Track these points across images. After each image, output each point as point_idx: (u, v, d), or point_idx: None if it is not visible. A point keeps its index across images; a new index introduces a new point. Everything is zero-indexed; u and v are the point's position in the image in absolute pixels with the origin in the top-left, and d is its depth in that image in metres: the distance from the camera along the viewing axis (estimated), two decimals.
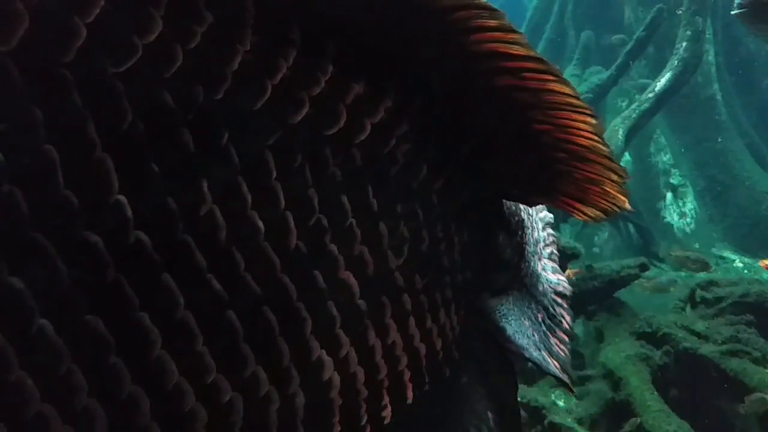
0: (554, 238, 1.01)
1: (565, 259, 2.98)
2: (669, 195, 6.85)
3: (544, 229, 0.97)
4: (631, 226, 5.89)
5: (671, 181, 6.90)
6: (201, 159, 0.54)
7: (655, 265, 4.65)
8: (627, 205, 0.79)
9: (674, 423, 2.49)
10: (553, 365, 0.90)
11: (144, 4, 0.52)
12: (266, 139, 0.58)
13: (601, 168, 0.75)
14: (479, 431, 0.79)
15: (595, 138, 0.72)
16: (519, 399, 2.49)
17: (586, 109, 0.70)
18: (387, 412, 0.69)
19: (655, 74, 6.14)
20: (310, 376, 0.62)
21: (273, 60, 0.58)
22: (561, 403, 2.63)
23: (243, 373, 0.58)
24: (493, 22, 0.62)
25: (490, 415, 0.81)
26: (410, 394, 0.71)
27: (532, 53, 0.65)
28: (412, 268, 0.69)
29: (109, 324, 0.52)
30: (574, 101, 0.69)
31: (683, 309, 3.20)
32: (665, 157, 7.03)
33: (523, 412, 2.40)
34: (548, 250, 1.00)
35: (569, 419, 2.38)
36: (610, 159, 0.75)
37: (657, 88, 5.75)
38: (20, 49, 0.48)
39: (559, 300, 1.01)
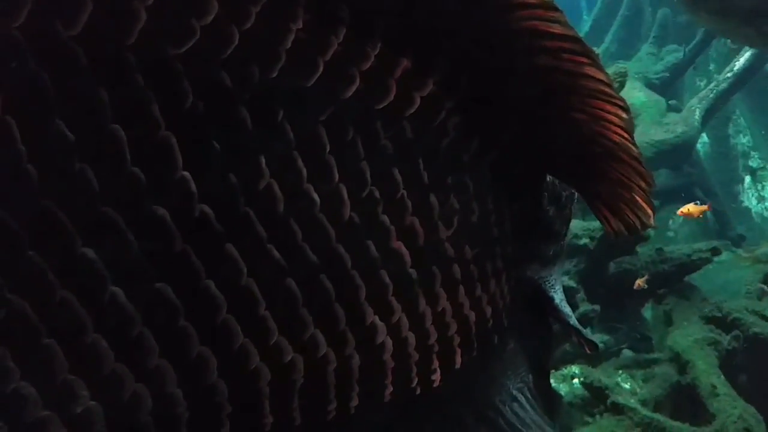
0: None
1: (632, 242, 2.93)
2: (747, 178, 6.62)
3: None
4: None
5: (750, 164, 6.67)
6: (258, 135, 0.57)
7: (732, 251, 4.52)
8: (652, 221, 0.79)
9: (740, 407, 2.43)
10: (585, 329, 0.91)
11: None
12: (319, 114, 0.60)
13: (631, 170, 0.75)
14: (522, 393, 0.81)
15: (626, 136, 0.72)
16: (583, 380, 2.49)
17: (619, 100, 0.70)
18: (437, 376, 0.71)
19: (735, 53, 5.93)
20: (365, 339, 0.65)
21: (324, 37, 0.60)
22: (626, 386, 2.61)
23: (303, 336, 0.61)
24: (533, 0, 0.63)
25: (530, 377, 0.83)
26: (459, 359, 0.73)
27: (570, 33, 0.66)
28: (462, 239, 0.71)
29: (177, 291, 0.55)
30: (608, 90, 0.70)
31: (755, 294, 3.11)
32: (744, 139, 6.79)
33: (586, 392, 2.39)
34: None
35: (632, 400, 2.36)
36: (639, 161, 0.74)
37: (736, 68, 5.56)
38: (85, 33, 0.51)
39: None
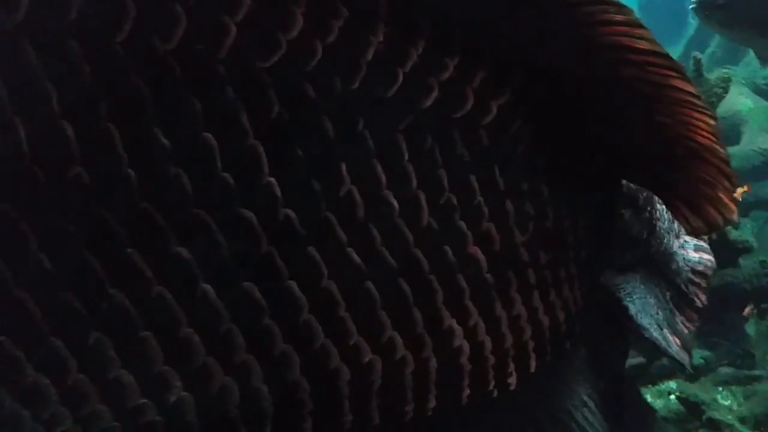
0: None
1: (735, 253, 2.82)
2: None
3: None
4: None
5: None
6: (340, 144, 0.60)
7: None
8: (735, 216, 0.77)
9: None
10: (675, 344, 0.90)
11: (286, 2, 0.58)
12: (398, 123, 0.62)
13: (716, 171, 0.75)
14: (592, 399, 0.81)
15: (714, 139, 0.73)
16: (679, 394, 2.41)
17: (707, 109, 0.71)
18: (513, 379, 0.72)
19: None
20: (442, 342, 0.66)
21: (404, 49, 0.62)
22: (726, 402, 2.51)
23: (381, 338, 0.63)
24: (620, 18, 0.64)
25: (601, 385, 0.82)
26: (533, 363, 0.73)
27: (657, 48, 0.66)
28: (537, 244, 0.71)
29: (262, 290, 0.58)
30: (696, 100, 0.70)
31: None
32: None
33: (681, 408, 2.32)
34: None
35: (729, 417, 2.27)
36: (726, 163, 0.74)
37: None
38: (180, 47, 0.55)
39: (696, 279, 0.99)
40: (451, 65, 0.64)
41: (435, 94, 0.63)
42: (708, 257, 1.02)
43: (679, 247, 0.98)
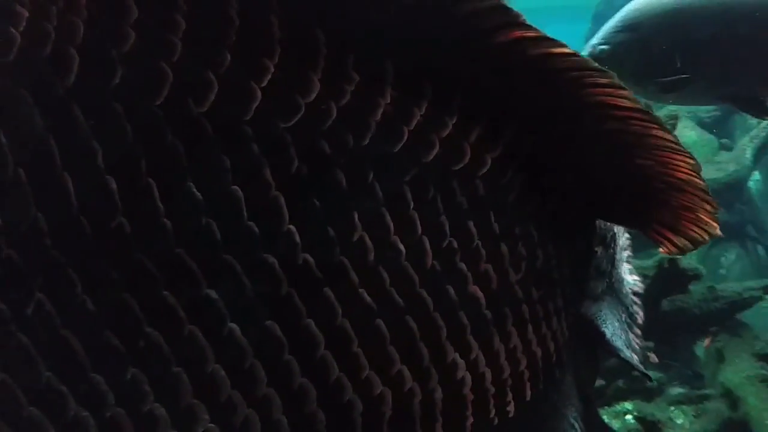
0: (630, 242, 1.07)
1: (685, 280, 2.94)
2: None
3: (623, 234, 1.04)
4: (759, 248, 5.64)
5: None
6: (352, 194, 0.66)
7: None
8: (718, 231, 0.84)
9: None
10: (636, 360, 0.97)
11: (306, 69, 0.64)
12: (404, 176, 0.68)
13: (696, 199, 0.82)
14: (577, 422, 0.87)
15: (693, 174, 0.79)
16: (636, 414, 2.51)
17: (687, 152, 0.78)
18: (511, 407, 0.77)
19: None
20: (446, 375, 0.71)
21: (409, 110, 0.69)
22: (679, 421, 2.61)
23: (391, 371, 0.68)
24: (603, 80, 0.71)
25: (582, 408, 0.89)
26: (528, 392, 0.79)
27: (638, 106, 0.74)
28: (529, 282, 0.78)
29: (283, 328, 0.63)
30: (675, 146, 0.77)
31: None
32: None
33: (639, 427, 2.41)
34: (626, 253, 1.07)
35: None
36: (705, 192, 0.81)
37: None
38: (212, 109, 0.61)
39: (636, 299, 1.08)
40: (451, 123, 0.70)
41: (436, 149, 0.70)
42: (638, 278, 1.12)
43: (624, 273, 1.07)
